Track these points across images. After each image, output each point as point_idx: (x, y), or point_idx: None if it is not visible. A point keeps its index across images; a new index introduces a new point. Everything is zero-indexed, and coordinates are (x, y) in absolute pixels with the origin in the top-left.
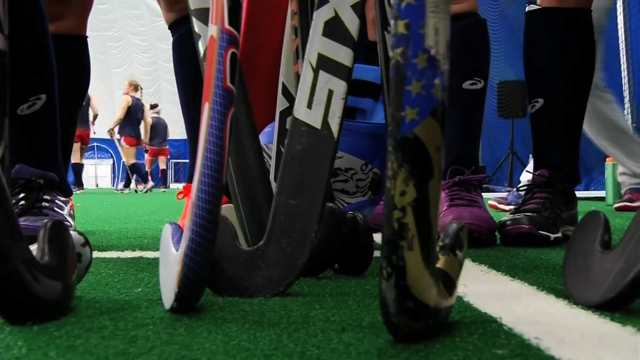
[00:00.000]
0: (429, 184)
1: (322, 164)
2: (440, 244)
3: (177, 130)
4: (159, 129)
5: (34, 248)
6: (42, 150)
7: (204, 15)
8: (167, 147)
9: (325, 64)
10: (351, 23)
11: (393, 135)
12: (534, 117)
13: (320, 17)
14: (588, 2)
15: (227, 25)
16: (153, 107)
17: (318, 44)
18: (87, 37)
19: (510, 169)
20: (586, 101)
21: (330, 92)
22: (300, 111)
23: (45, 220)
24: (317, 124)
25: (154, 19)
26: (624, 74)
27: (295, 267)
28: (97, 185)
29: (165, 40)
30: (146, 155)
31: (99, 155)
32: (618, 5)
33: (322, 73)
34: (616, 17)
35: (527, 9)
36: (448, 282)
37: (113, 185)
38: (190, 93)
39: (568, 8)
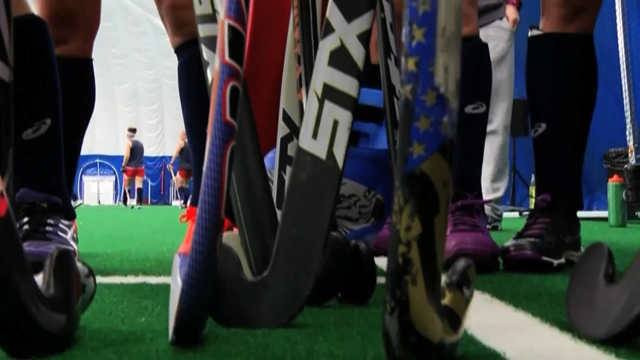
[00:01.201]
0: (434, 220)
1: (326, 194)
2: (447, 280)
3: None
4: (137, 151)
5: (39, 279)
6: (47, 173)
7: (212, 43)
8: (143, 167)
9: (330, 94)
10: (357, 53)
11: (400, 171)
12: (536, 142)
13: (325, 46)
14: (589, 27)
15: (227, 58)
16: (132, 130)
17: (323, 73)
18: (92, 59)
19: (512, 187)
20: (589, 126)
21: (336, 123)
22: (305, 141)
23: (52, 251)
24: (322, 154)
25: (158, 36)
26: (625, 94)
27: (299, 299)
28: (99, 202)
29: (168, 57)
30: (124, 175)
31: (101, 172)
32: (618, 26)
33: (327, 103)
34: (617, 37)
35: (529, 34)
36: (454, 318)
37: (115, 202)
38: (196, 118)
39: (570, 34)
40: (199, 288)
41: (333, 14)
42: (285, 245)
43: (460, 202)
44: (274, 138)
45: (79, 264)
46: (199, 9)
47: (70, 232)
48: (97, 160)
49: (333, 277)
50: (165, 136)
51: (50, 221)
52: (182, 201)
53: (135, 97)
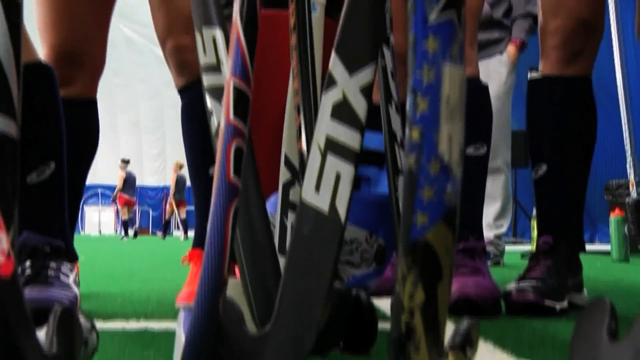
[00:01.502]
0: (438, 286)
1: (329, 248)
2: (450, 342)
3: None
4: (130, 182)
5: (41, 334)
6: (50, 217)
7: (216, 93)
8: (134, 198)
9: (333, 147)
10: (360, 107)
11: (404, 240)
12: (537, 184)
13: (328, 99)
14: (588, 70)
15: (232, 119)
16: (125, 162)
17: (326, 126)
18: (96, 100)
19: (514, 218)
20: (589, 167)
21: (338, 176)
22: (308, 194)
23: (56, 308)
24: (325, 208)
25: (160, 66)
26: (625, 127)
27: (302, 353)
28: (100, 232)
29: (171, 87)
30: (118, 205)
31: (102, 202)
32: (616, 60)
33: (329, 156)
34: (615, 70)
35: (529, 76)
36: None
37: (116, 232)
38: (199, 160)
39: (569, 77)
40: (201, 346)
41: (335, 66)
42: (288, 299)
43: (462, 245)
44: (275, 181)
45: (81, 318)
46: (204, 59)
47: (72, 276)
48: (99, 190)
49: (335, 327)
50: (167, 166)
51: (52, 265)
52: (162, 233)
53: (137, 127)
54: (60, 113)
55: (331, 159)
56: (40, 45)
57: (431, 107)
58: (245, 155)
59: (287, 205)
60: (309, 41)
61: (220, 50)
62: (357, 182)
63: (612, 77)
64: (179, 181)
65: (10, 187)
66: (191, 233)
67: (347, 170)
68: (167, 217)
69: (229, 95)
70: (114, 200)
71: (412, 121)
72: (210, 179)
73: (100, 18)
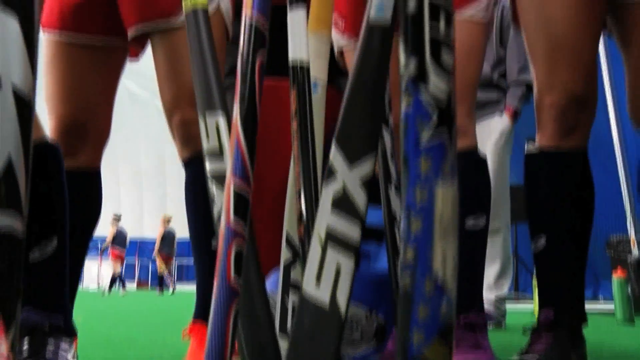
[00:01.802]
0: None
1: (329, 342)
2: None
3: (184, 230)
4: (121, 237)
5: None
6: (51, 293)
7: (219, 179)
8: (124, 253)
9: (333, 239)
10: (360, 198)
11: (401, 357)
12: (537, 257)
13: (329, 190)
14: (583, 143)
15: (232, 222)
16: (117, 219)
17: (327, 218)
18: (100, 170)
19: (515, 273)
20: (589, 239)
21: (338, 269)
22: (309, 286)
23: None
24: (325, 301)
25: (163, 119)
26: (624, 186)
27: None
28: (98, 285)
29: (173, 141)
30: (110, 259)
31: (102, 255)
32: (612, 122)
33: (330, 249)
34: (611, 131)
35: (526, 148)
36: None
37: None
38: (202, 235)
39: (565, 152)
40: None
41: (336, 157)
42: None
43: (463, 320)
44: (275, 257)
45: None
46: (207, 145)
47: (70, 352)
48: (99, 244)
49: None
50: None
51: (51, 342)
52: (158, 288)
53: (138, 180)
54: (65, 192)
55: (332, 251)
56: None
57: (424, 227)
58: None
59: (288, 285)
60: (310, 127)
61: (222, 136)
62: (357, 259)
63: (609, 131)
64: (167, 236)
65: (14, 287)
66: (181, 290)
67: (347, 263)
68: (159, 271)
69: (229, 199)
70: (103, 252)
71: (406, 240)
72: (213, 252)
73: (107, 90)
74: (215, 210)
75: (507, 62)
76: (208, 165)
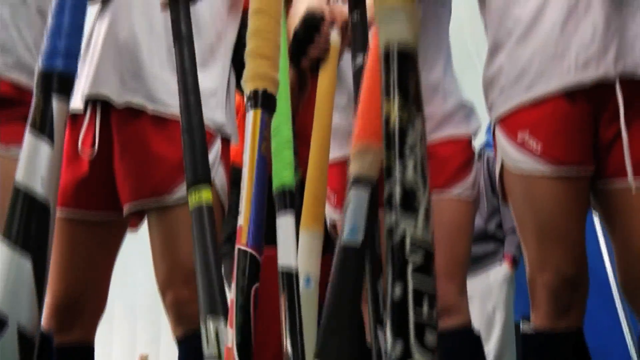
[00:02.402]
0: None
1: None
2: None
3: None
4: None
5: None
6: None
7: None
8: None
9: None
10: None
11: None
12: None
13: None
14: (579, 322)
15: None
16: None
17: None
18: (93, 346)
19: None
20: None
21: None
22: None
23: None
24: None
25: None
26: (624, 325)
27: None
28: None
29: None
30: None
31: None
32: (605, 257)
33: None
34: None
35: (522, 328)
36: None
37: None
38: None
39: (560, 333)
40: None
41: None
42: None
43: None
44: None
45: None
46: (207, 350)
47: None
48: None
49: None
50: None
51: None
52: None
53: (132, 314)
54: None
55: None
56: None
57: None
58: None
59: None
60: (299, 329)
61: (221, 344)
62: None
63: (603, 267)
64: None
65: None
66: None
67: None
68: None
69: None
70: None
71: None
72: None
73: (104, 265)
74: None
75: (501, 210)
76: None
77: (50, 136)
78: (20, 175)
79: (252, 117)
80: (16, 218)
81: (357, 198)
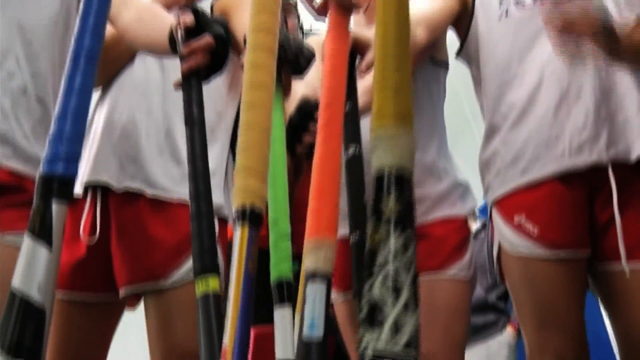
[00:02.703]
0: None
1: None
2: None
3: None
4: None
5: None
6: None
7: None
8: None
9: None
10: None
11: None
12: None
13: None
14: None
15: None
16: None
17: None
18: None
19: None
20: None
21: None
22: None
23: None
24: None
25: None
26: None
27: None
28: None
29: None
30: None
31: None
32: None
33: None
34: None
35: None
36: None
37: None
38: None
39: None
40: None
41: None
42: None
43: None
44: None
45: None
46: None
47: None
48: None
49: None
50: None
51: None
52: None
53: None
54: None
55: None
56: None
57: None
58: None
59: None
60: None
61: None
62: None
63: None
64: None
65: None
66: None
67: None
68: None
69: None
70: None
71: None
72: None
73: (100, 345)
74: None
75: None
76: None
77: (48, 241)
78: (17, 281)
79: (239, 234)
80: (11, 324)
81: (313, 293)
